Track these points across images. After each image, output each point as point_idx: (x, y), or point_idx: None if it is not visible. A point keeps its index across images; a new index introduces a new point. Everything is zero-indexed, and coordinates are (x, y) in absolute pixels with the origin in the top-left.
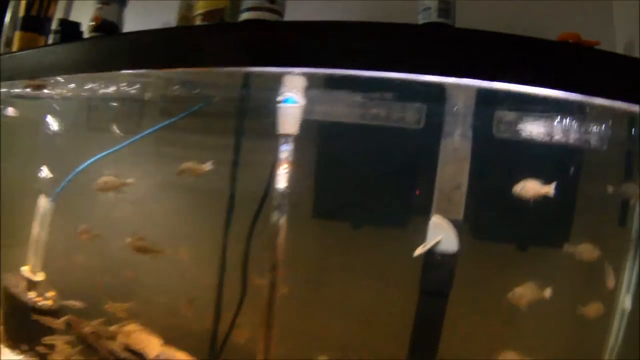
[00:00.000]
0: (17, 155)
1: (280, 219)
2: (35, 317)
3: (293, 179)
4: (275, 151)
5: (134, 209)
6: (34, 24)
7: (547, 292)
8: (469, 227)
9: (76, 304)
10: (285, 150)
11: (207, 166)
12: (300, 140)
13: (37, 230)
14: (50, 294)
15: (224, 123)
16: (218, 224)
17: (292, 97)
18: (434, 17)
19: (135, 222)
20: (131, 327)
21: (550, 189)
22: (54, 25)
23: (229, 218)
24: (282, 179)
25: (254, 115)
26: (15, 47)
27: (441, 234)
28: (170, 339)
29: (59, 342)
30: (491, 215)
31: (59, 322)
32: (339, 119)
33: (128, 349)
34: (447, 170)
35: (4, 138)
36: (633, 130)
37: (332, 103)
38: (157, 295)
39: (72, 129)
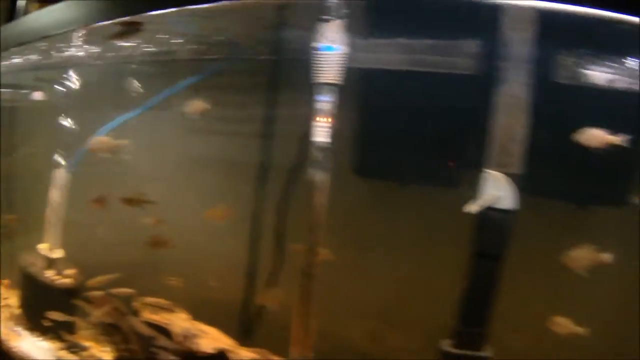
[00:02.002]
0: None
1: (320, 177)
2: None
3: (333, 132)
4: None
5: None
6: None
7: (607, 256)
8: (525, 182)
9: (127, 291)
10: (323, 101)
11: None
12: (339, 90)
13: (54, 204)
14: (70, 271)
15: (256, 78)
16: (251, 187)
17: (331, 43)
18: None
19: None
20: (156, 302)
21: (617, 139)
22: None
23: (262, 181)
24: (320, 133)
25: (288, 66)
26: None
27: (497, 190)
28: (202, 313)
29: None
30: (550, 170)
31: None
32: (383, 66)
33: (152, 324)
34: (502, 120)
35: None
36: None
37: (374, 48)
38: (186, 268)
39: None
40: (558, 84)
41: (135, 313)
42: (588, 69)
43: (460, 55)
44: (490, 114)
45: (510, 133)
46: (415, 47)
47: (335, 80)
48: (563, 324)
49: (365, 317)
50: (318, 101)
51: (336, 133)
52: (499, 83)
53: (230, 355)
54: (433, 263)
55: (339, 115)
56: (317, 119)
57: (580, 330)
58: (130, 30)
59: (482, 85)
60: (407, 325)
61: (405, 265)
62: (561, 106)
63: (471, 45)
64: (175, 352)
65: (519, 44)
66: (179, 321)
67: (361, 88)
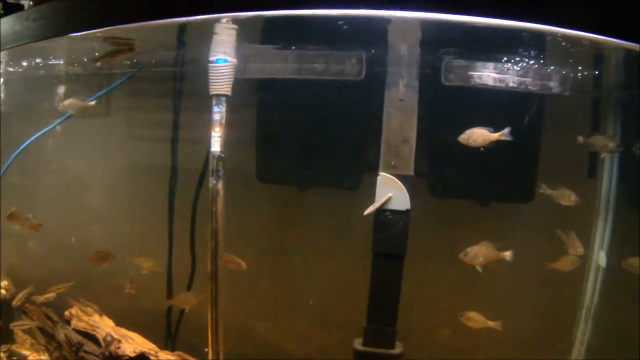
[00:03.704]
0: None
1: (218, 184)
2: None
3: (233, 141)
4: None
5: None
6: None
7: (506, 252)
8: (428, 183)
9: (49, 296)
10: (218, 112)
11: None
12: (237, 100)
13: None
14: (4, 283)
15: (160, 88)
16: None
17: (224, 56)
18: None
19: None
20: (86, 310)
21: (501, 135)
22: None
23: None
24: (216, 143)
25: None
26: None
27: (389, 192)
28: (129, 319)
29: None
30: (450, 171)
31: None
32: (274, 76)
33: (80, 332)
34: (393, 123)
35: None
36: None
37: (266, 59)
38: (113, 278)
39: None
40: (453, 87)
41: (67, 321)
42: (478, 72)
43: (350, 63)
44: (381, 118)
45: (401, 136)
46: (306, 56)
47: (229, 91)
48: (476, 319)
49: (279, 317)
50: (214, 112)
51: (237, 141)
52: (388, 88)
53: (151, 357)
54: (337, 264)
55: (239, 123)
56: (214, 129)
57: (492, 324)
58: (123, 49)
59: (372, 90)
60: (322, 325)
61: (311, 266)
62: (456, 108)
63: (360, 53)
64: (100, 357)
65: (405, 51)
66: (105, 327)
67: (258, 97)
